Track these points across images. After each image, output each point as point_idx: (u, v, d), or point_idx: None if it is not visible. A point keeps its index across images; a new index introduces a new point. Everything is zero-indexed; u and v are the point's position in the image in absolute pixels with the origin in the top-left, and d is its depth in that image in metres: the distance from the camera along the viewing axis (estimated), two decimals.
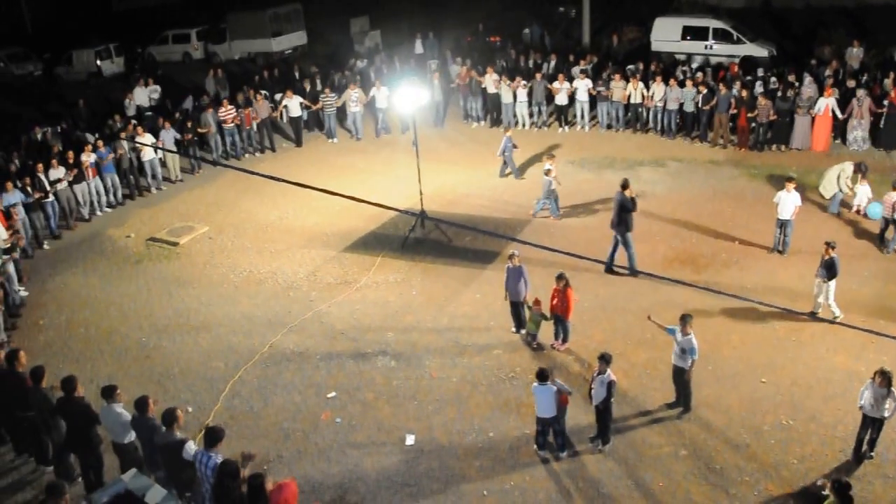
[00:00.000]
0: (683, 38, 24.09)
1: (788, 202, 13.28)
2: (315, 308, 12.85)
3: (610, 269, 13.22)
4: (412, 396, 10.47)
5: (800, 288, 11.82)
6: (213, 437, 7.59)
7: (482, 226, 15.16)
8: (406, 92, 15.30)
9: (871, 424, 8.73)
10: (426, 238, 15.06)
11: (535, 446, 9.31)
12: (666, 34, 24.42)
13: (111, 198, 17.88)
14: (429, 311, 12.58)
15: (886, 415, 8.55)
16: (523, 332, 11.67)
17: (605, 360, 8.94)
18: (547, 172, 15.30)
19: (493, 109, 22.12)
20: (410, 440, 9.61)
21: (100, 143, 17.58)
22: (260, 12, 29.53)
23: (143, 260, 15.17)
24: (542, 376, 8.84)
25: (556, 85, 20.86)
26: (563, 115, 21.44)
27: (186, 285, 13.98)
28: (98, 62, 30.15)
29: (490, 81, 21.59)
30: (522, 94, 21.05)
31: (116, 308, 13.34)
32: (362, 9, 32.59)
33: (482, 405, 10.21)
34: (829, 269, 11.22)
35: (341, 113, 22.08)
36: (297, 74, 24.33)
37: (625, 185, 12.86)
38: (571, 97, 20.91)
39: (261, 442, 9.69)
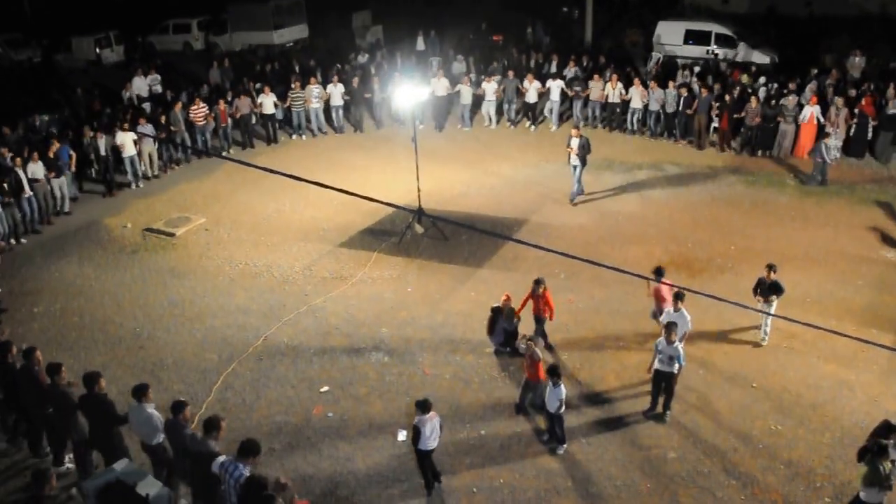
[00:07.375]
0: (685, 42, 24.16)
1: (680, 322, 9.84)
2: (310, 302, 12.87)
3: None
4: (405, 392, 10.50)
5: (794, 294, 11.87)
6: (247, 449, 7.30)
7: (479, 225, 15.19)
8: (406, 88, 15.35)
9: None
10: (423, 235, 15.08)
11: (546, 437, 9.48)
12: (668, 38, 24.48)
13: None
14: (423, 307, 12.61)
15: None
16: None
17: None
18: None
19: (437, 113, 21.84)
20: (402, 436, 9.64)
21: (56, 143, 16.55)
22: (262, 4, 29.47)
23: (138, 250, 15.15)
24: (555, 373, 9.02)
25: (525, 84, 20.98)
26: (531, 112, 21.54)
27: (182, 276, 13.98)
28: (98, 50, 29.94)
29: (440, 86, 21.38)
30: (490, 93, 21.11)
31: (111, 297, 13.34)
32: (364, 3, 32.60)
33: (474, 403, 10.26)
34: (775, 291, 11.01)
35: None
36: (296, 68, 24.26)
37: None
38: (542, 95, 21.03)
39: (252, 435, 9.57)
